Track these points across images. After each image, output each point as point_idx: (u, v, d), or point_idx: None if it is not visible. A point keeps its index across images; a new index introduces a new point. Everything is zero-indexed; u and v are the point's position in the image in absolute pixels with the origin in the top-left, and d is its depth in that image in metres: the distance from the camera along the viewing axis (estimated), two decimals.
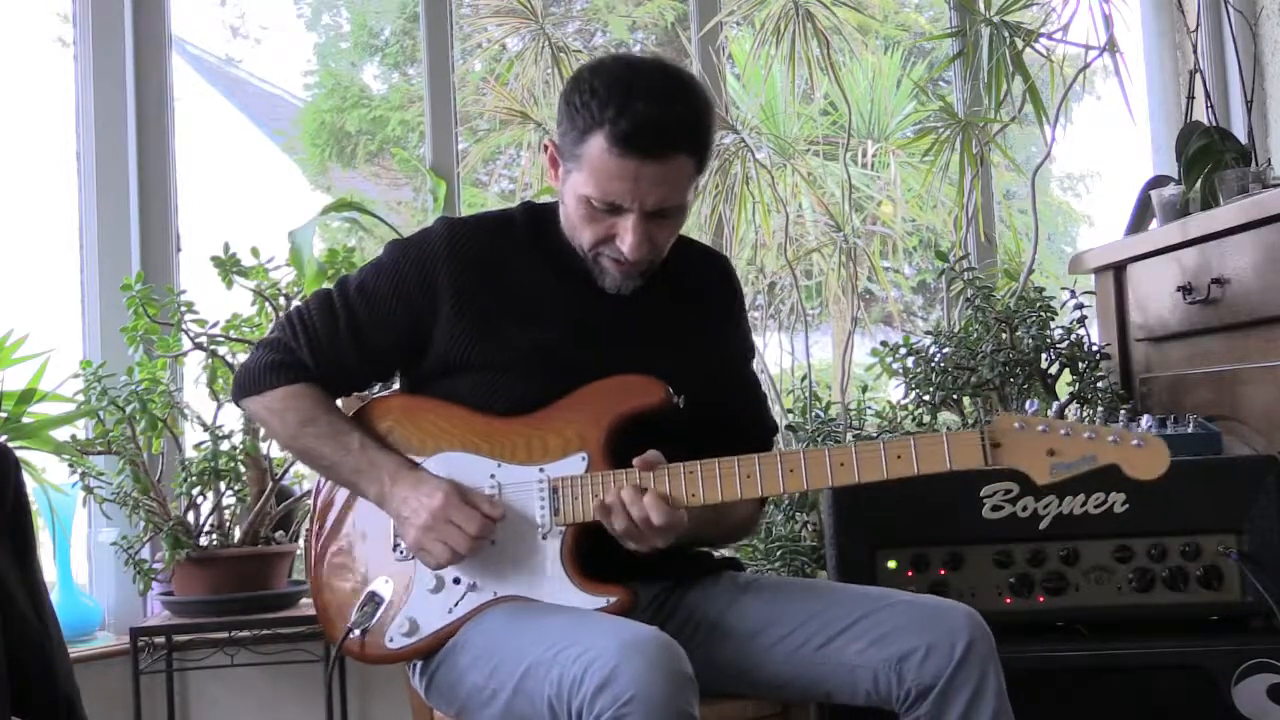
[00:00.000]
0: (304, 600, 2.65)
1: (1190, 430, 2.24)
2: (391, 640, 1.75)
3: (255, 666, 2.69)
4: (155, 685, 2.69)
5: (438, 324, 1.78)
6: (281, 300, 2.67)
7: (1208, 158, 2.83)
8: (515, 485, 1.74)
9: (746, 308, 2.03)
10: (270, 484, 2.64)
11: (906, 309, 6.38)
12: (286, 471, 2.67)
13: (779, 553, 2.63)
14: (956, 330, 2.82)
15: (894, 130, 4.39)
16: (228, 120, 7.78)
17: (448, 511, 1.68)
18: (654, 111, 1.65)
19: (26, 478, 1.93)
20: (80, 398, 2.60)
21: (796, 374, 3.19)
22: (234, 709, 2.83)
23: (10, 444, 2.16)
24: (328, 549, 1.84)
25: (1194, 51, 3.33)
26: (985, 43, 3.00)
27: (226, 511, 2.67)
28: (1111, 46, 2.95)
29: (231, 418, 2.67)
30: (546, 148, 1.80)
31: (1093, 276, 2.99)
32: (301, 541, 2.66)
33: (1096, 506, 2.13)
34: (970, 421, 2.73)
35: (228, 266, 2.65)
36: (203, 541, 2.61)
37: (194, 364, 2.74)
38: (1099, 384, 2.71)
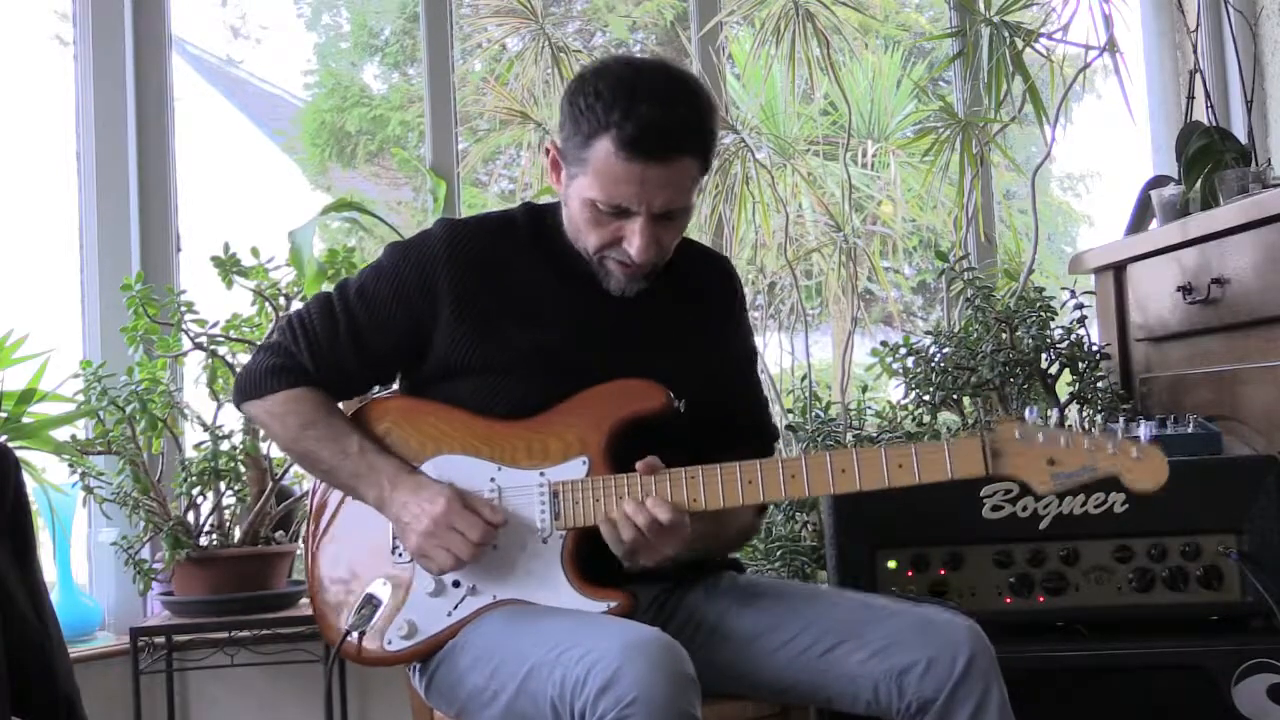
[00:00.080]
0: (304, 600, 2.65)
1: (1190, 430, 2.24)
2: (390, 643, 1.75)
3: (255, 666, 2.69)
4: (155, 685, 2.69)
5: (438, 327, 1.78)
6: (281, 300, 2.67)
7: (1208, 158, 2.83)
8: (515, 489, 1.74)
9: (747, 308, 2.03)
10: (270, 484, 2.64)
11: (906, 309, 6.38)
12: (286, 471, 2.67)
13: (779, 553, 2.63)
14: (956, 330, 2.82)
15: (894, 130, 4.39)
16: (228, 120, 7.78)
17: (450, 518, 1.68)
18: (659, 114, 1.65)
19: (26, 478, 1.93)
20: (80, 398, 2.60)
21: (796, 374, 3.19)
22: (234, 709, 2.83)
23: (10, 444, 2.16)
24: (325, 549, 1.84)
25: (1194, 51, 3.33)
26: (985, 43, 3.00)
27: (226, 511, 2.67)
28: (1111, 46, 2.95)
29: (231, 418, 2.66)
30: (548, 151, 1.80)
31: (1093, 276, 2.99)
32: (301, 542, 2.66)
33: (1096, 506, 2.13)
34: (970, 421, 2.73)
35: (228, 266, 2.65)
36: (203, 541, 2.61)
37: (194, 364, 2.74)
38: (1099, 384, 2.71)
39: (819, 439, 2.74)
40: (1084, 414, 2.71)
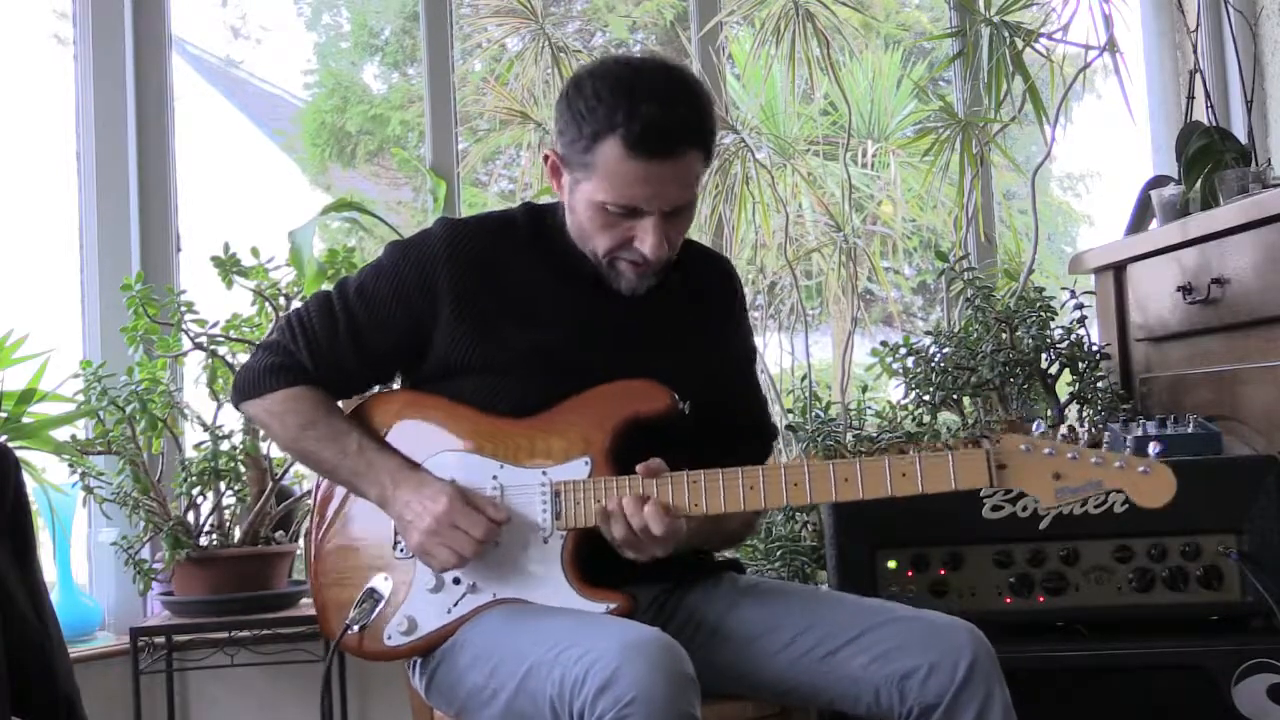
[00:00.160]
0: (304, 600, 2.65)
1: (1190, 430, 2.24)
2: (390, 638, 1.75)
3: (255, 666, 2.69)
4: (155, 685, 2.69)
5: (437, 327, 1.78)
6: (281, 300, 2.67)
7: (1208, 158, 2.83)
8: (517, 487, 1.73)
9: (747, 308, 2.03)
10: (270, 484, 2.64)
11: (906, 309, 6.37)
12: (286, 471, 2.67)
13: (779, 553, 2.63)
14: (956, 330, 2.82)
15: (894, 130, 4.38)
16: (228, 120, 7.77)
17: (452, 516, 1.68)
18: (663, 112, 1.65)
19: (26, 478, 1.93)
20: (80, 398, 2.60)
21: (796, 374, 3.19)
22: (234, 709, 2.83)
23: (10, 444, 2.16)
24: (327, 544, 1.84)
25: (1194, 51, 3.33)
26: (985, 43, 3.00)
27: (226, 511, 2.67)
28: (1111, 46, 2.95)
29: (231, 418, 2.66)
30: (547, 157, 1.79)
31: (1093, 276, 2.99)
32: (301, 541, 2.66)
33: (1096, 507, 2.13)
34: (970, 422, 2.72)
35: (228, 266, 2.65)
36: (203, 541, 2.61)
37: (194, 364, 2.74)
38: (1099, 384, 2.71)
39: (819, 439, 2.74)
40: (1084, 414, 2.71)
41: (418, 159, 4.50)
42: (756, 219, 3.20)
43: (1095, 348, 2.78)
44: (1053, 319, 2.74)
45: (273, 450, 2.66)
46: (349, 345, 1.80)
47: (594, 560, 1.72)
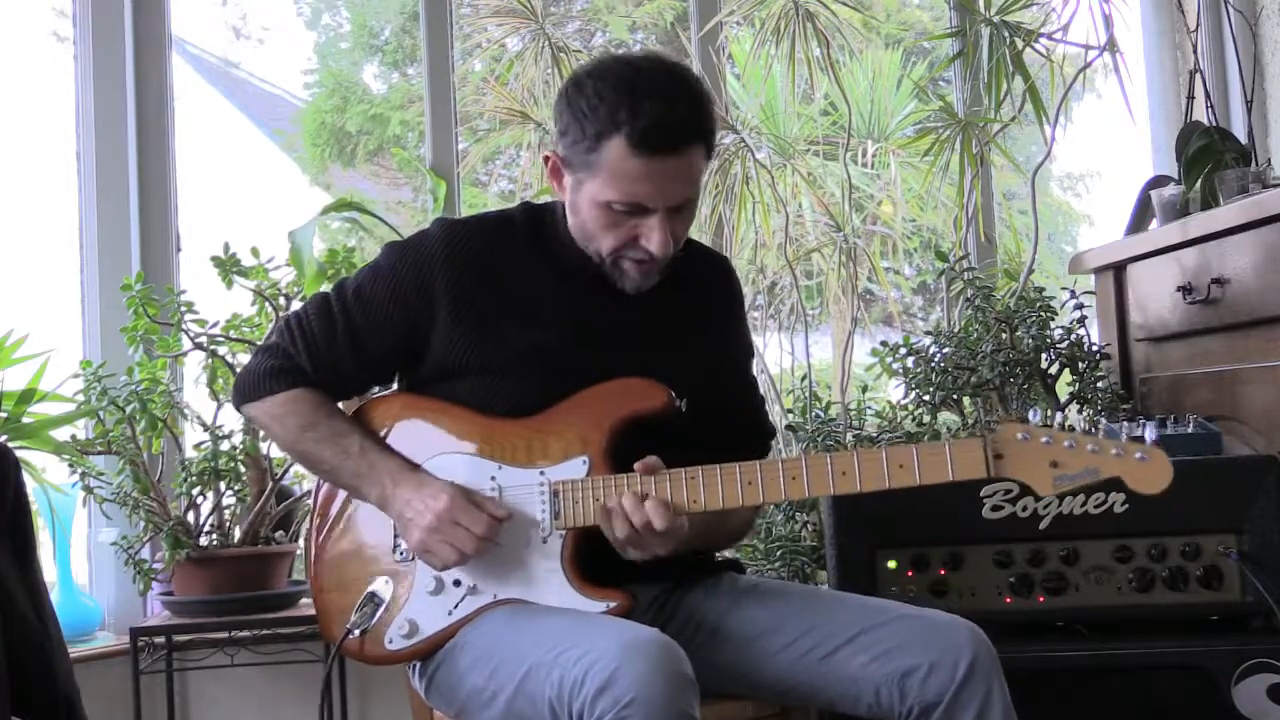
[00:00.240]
0: (304, 600, 2.65)
1: (1190, 430, 2.24)
2: (391, 641, 1.75)
3: (255, 666, 2.69)
4: (155, 685, 2.69)
5: (435, 328, 1.78)
6: (281, 300, 2.67)
7: (1208, 158, 2.83)
8: (516, 488, 1.74)
9: (747, 308, 2.03)
10: (270, 484, 2.64)
11: (906, 309, 6.37)
12: (286, 471, 2.67)
13: (779, 553, 2.63)
14: (956, 330, 2.82)
15: (894, 130, 4.38)
16: (228, 120, 7.77)
17: (453, 513, 1.68)
18: (666, 109, 1.65)
19: (26, 478, 1.93)
20: (80, 398, 2.60)
21: (796, 374, 3.18)
22: (234, 709, 2.83)
23: (10, 444, 2.16)
24: (327, 548, 1.84)
25: (1194, 51, 3.33)
26: (985, 43, 3.00)
27: (226, 511, 2.67)
28: (1111, 46, 2.95)
29: (231, 418, 2.66)
30: (547, 159, 1.79)
31: (1093, 276, 2.99)
32: (301, 541, 2.66)
33: (1096, 506, 2.13)
34: (970, 422, 2.73)
35: (228, 266, 2.65)
36: (203, 541, 2.61)
37: (194, 364, 2.74)
38: (1099, 384, 2.71)
39: (819, 439, 2.74)
40: (1084, 414, 2.71)
41: (418, 159, 4.51)
42: (756, 219, 3.20)
43: (1095, 348, 2.78)
44: (1053, 319, 2.74)
45: (273, 450, 2.66)
46: (347, 347, 1.80)
47: (594, 559, 1.72)
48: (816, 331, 3.75)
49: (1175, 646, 2.07)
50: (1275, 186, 2.56)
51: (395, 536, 1.78)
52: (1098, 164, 7.53)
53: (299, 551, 2.70)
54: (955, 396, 2.72)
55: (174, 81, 3.01)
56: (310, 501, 1.90)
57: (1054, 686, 2.07)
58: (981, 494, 2.14)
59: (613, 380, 1.75)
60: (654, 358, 1.78)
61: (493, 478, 1.74)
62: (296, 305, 2.64)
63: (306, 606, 2.62)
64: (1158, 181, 3.02)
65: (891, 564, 2.17)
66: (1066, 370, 2.75)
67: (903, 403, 2.76)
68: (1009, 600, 2.15)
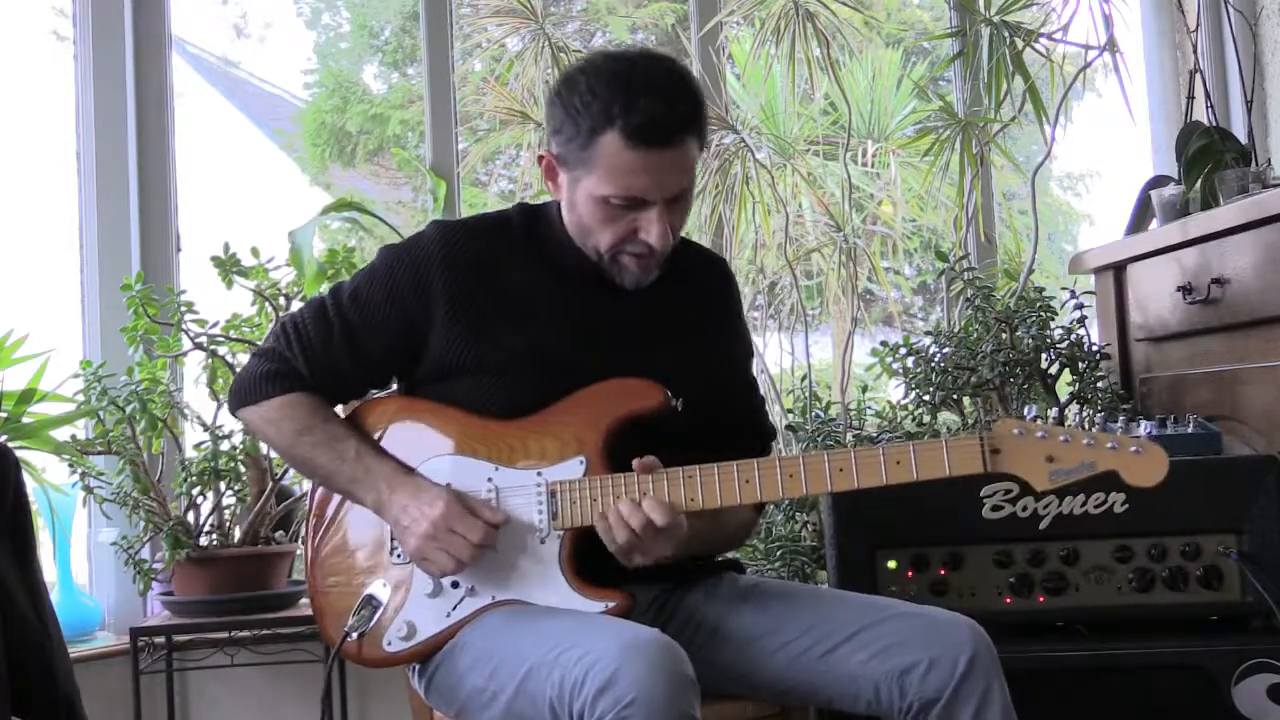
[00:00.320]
0: (304, 600, 2.64)
1: (1190, 430, 2.24)
2: (389, 644, 1.75)
3: (255, 666, 2.69)
4: (155, 685, 2.69)
5: (432, 329, 1.78)
6: (281, 300, 2.67)
7: (1208, 158, 2.83)
8: (512, 489, 1.73)
9: (745, 308, 2.03)
10: (270, 484, 2.65)
11: (906, 309, 6.37)
12: (286, 472, 2.66)
13: (779, 553, 2.63)
14: (956, 330, 2.82)
15: (894, 130, 4.38)
16: (228, 120, 7.78)
17: (449, 520, 1.67)
18: (660, 100, 1.66)
19: (26, 478, 1.93)
20: (80, 398, 2.60)
21: (796, 374, 3.18)
22: (234, 709, 2.83)
23: (10, 444, 2.16)
24: (324, 550, 1.84)
25: (1194, 51, 3.33)
26: (985, 43, 3.00)
27: (226, 511, 2.67)
28: (1111, 46, 2.95)
29: (232, 418, 2.66)
30: (541, 158, 1.79)
31: (1093, 276, 2.99)
32: (300, 542, 2.65)
33: (1096, 506, 2.13)
34: (970, 422, 2.73)
35: (228, 266, 2.65)
36: (203, 541, 2.61)
37: (194, 364, 2.74)
38: (1099, 384, 2.71)
39: (819, 439, 2.74)
40: (1084, 414, 2.71)
41: (418, 159, 4.50)
42: (756, 219, 3.20)
43: (1095, 348, 2.78)
44: (1053, 319, 2.74)
45: (272, 451, 2.66)
46: (344, 350, 1.80)
47: (592, 559, 1.72)
48: (816, 331, 3.75)
49: (1175, 646, 2.07)
50: (1275, 186, 2.56)
51: (392, 538, 1.78)
52: (1098, 164, 7.53)
53: (299, 551, 2.70)
54: (955, 396, 2.72)
55: (174, 81, 3.01)
56: (309, 502, 1.89)
57: (1054, 686, 2.07)
58: (981, 494, 2.14)
59: (609, 380, 1.75)
60: (652, 358, 1.78)
61: (489, 479, 1.74)
62: (296, 305, 2.64)
63: (306, 606, 2.59)
64: (1158, 181, 3.02)
65: (891, 564, 2.17)
66: (1066, 370, 2.75)
67: (903, 403, 2.76)
68: (1009, 600, 2.15)
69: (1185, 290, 2.57)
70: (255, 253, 2.68)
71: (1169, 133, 3.30)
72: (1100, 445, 1.60)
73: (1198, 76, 3.18)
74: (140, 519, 2.59)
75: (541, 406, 1.76)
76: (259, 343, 2.61)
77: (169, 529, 2.55)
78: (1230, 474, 2.14)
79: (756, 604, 1.77)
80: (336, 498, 1.84)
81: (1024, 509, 2.14)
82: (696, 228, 3.14)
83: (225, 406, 2.64)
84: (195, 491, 2.63)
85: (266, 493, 2.64)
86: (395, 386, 1.92)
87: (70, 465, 2.56)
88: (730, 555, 2.02)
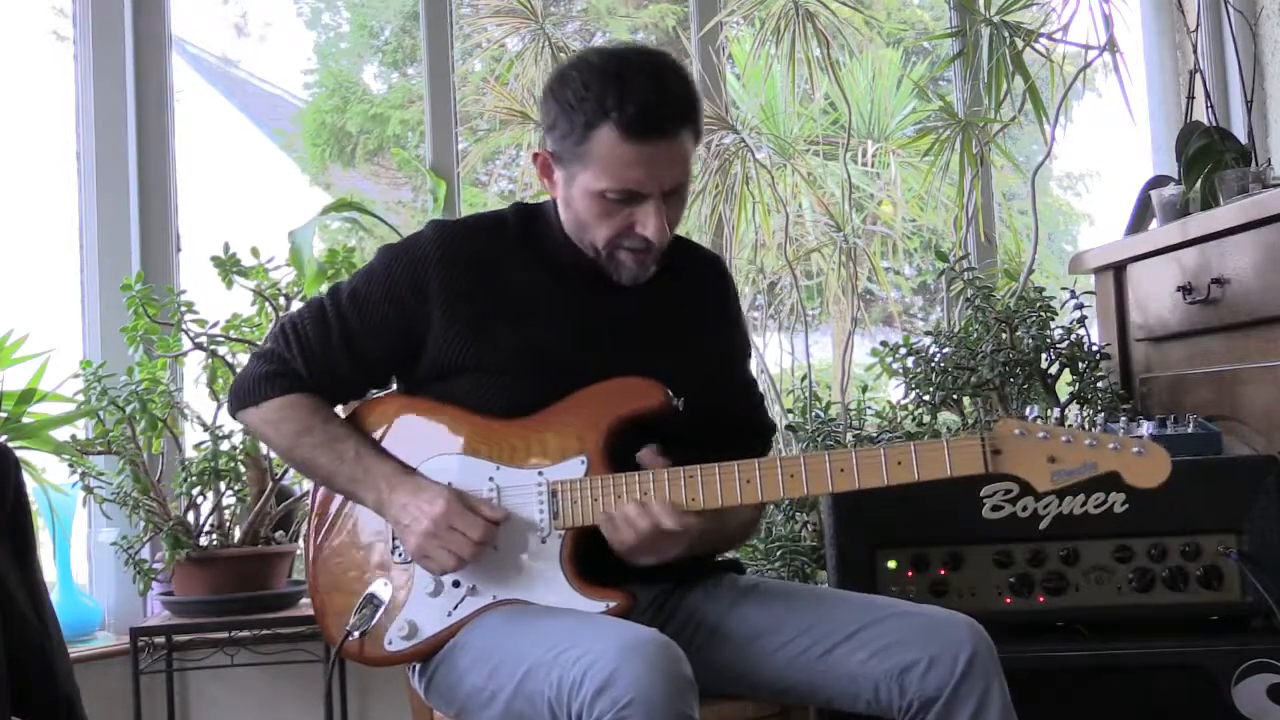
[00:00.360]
0: (304, 600, 2.65)
1: (1190, 430, 2.24)
2: (390, 643, 1.75)
3: (255, 666, 2.69)
4: (155, 685, 2.69)
5: (430, 328, 1.78)
6: (281, 300, 2.67)
7: (1208, 158, 2.83)
8: (514, 488, 1.73)
9: (745, 308, 2.03)
10: (270, 484, 2.65)
11: (906, 309, 6.38)
12: (286, 472, 2.66)
13: (779, 553, 2.63)
14: (956, 330, 2.82)
15: (894, 130, 4.38)
16: (228, 120, 7.78)
17: (450, 518, 1.67)
18: (653, 93, 1.66)
19: (26, 478, 1.93)
20: (80, 398, 2.60)
21: (796, 374, 3.18)
22: (234, 709, 2.83)
23: (10, 444, 2.16)
24: (325, 549, 1.84)
25: (1194, 51, 3.33)
26: (985, 43, 3.00)
27: (226, 511, 2.67)
28: (1111, 46, 2.95)
29: (232, 419, 2.66)
30: (536, 156, 1.79)
31: (1093, 276, 2.99)
32: (301, 541, 2.66)
33: (1096, 506, 2.13)
34: (970, 422, 2.73)
35: (228, 266, 2.65)
36: (203, 541, 2.61)
37: (194, 364, 2.74)
38: (1099, 384, 2.71)
39: (819, 439, 2.74)
40: (1084, 414, 2.71)
41: (418, 159, 4.51)
42: (756, 219, 3.20)
43: (1095, 348, 2.78)
44: (1053, 319, 2.74)
45: (273, 452, 2.66)
46: (342, 350, 1.80)
47: (593, 559, 1.72)
48: (816, 331, 3.75)
49: (1175, 646, 2.07)
50: (1275, 186, 2.56)
51: (394, 538, 1.78)
52: (1098, 164, 7.54)
53: (299, 551, 2.70)
54: (955, 396, 2.72)
55: (174, 81, 3.01)
56: (309, 502, 1.90)
57: (1054, 686, 2.07)
58: (981, 494, 2.14)
59: (610, 380, 1.75)
60: (652, 358, 1.78)
61: (491, 478, 1.74)
62: (296, 305, 2.65)
63: (306, 606, 2.61)
64: (1158, 181, 3.02)
65: (891, 564, 2.17)
66: (1066, 370, 2.75)
67: (903, 403, 2.76)
68: (1009, 600, 2.15)
69: (1185, 290, 2.57)
70: (255, 253, 2.68)
71: (1169, 133, 3.30)
72: (1102, 446, 1.60)
73: (1198, 76, 3.18)
74: (140, 519, 2.59)
75: (542, 406, 1.76)
76: (259, 343, 2.62)
77: (169, 529, 2.55)
78: (1230, 474, 2.14)
79: (756, 604, 1.77)
80: (338, 497, 1.84)
81: (1024, 509, 2.14)
82: (696, 228, 3.14)
83: (225, 407, 2.65)
84: (195, 491, 2.63)
85: (266, 493, 2.64)
86: (395, 386, 1.92)
87: (70, 465, 2.56)
88: (730, 555, 2.03)
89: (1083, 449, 1.60)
